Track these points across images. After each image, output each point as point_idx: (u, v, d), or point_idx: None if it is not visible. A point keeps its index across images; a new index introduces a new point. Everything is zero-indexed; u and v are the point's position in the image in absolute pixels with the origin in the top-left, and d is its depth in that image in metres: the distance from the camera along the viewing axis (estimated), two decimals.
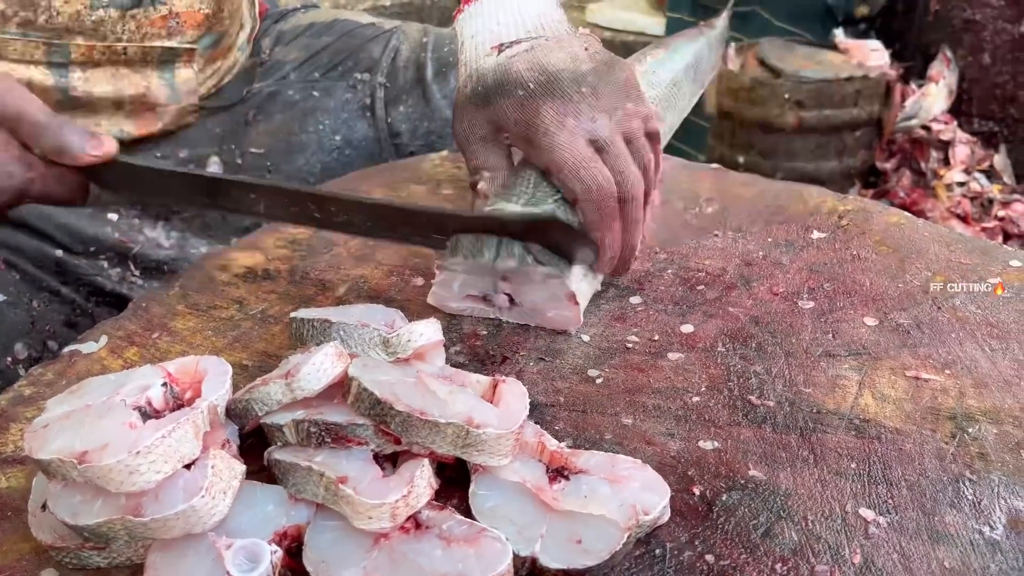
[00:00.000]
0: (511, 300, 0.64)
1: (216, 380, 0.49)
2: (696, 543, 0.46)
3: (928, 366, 0.58)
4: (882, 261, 0.71)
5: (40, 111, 0.63)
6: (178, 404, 0.49)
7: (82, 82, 0.84)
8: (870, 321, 0.63)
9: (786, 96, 2.01)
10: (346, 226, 0.65)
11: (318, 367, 0.49)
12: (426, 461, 0.46)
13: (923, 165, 2.16)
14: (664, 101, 0.77)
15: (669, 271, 0.71)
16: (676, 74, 0.80)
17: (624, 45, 2.46)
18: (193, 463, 0.44)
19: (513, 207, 0.62)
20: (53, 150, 0.63)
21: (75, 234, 0.89)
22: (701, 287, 0.68)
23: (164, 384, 0.49)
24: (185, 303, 0.69)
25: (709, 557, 0.45)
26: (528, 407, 0.49)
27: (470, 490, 0.47)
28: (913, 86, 2.20)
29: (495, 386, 0.51)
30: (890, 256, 0.71)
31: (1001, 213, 2.06)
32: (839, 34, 2.12)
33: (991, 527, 0.46)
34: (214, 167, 0.96)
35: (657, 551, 0.45)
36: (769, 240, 0.74)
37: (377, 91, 1.04)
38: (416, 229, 0.64)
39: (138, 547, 0.44)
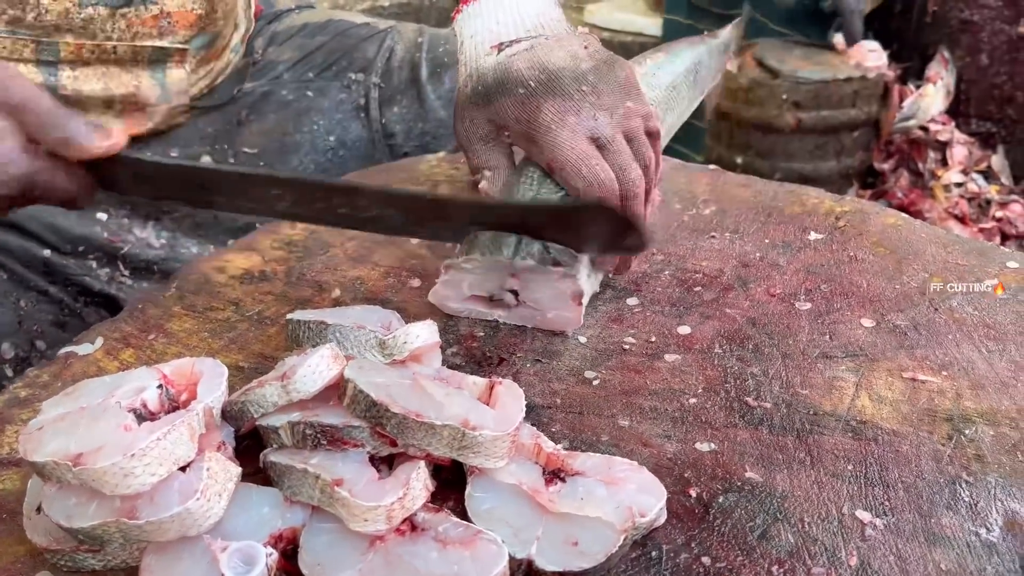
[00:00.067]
0: (516, 296, 0.64)
1: (212, 382, 0.49)
2: (692, 545, 0.46)
3: (925, 368, 0.58)
4: (879, 262, 0.71)
5: (47, 101, 0.61)
6: (174, 406, 0.49)
7: (71, 81, 0.84)
8: (867, 322, 0.63)
9: (784, 97, 2.01)
10: (375, 222, 0.62)
11: (314, 369, 0.49)
12: (422, 463, 0.46)
13: (921, 166, 2.16)
14: (663, 103, 0.77)
15: (666, 272, 0.71)
16: (675, 77, 0.80)
17: (622, 46, 2.46)
18: (188, 465, 0.44)
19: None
20: (59, 141, 0.60)
21: (63, 233, 0.88)
22: (698, 288, 0.68)
23: (160, 386, 0.49)
24: (181, 304, 0.68)
25: (705, 559, 0.45)
26: (524, 409, 0.49)
27: (466, 492, 0.47)
28: (911, 87, 2.20)
29: (491, 388, 0.51)
30: (887, 257, 0.71)
31: (999, 214, 2.06)
32: (838, 36, 2.12)
33: (988, 529, 0.46)
34: None
35: (653, 553, 0.45)
36: (766, 241, 0.74)
37: (371, 91, 1.04)
38: (453, 222, 0.62)
39: (133, 550, 0.44)
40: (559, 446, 0.50)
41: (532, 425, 0.52)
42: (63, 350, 0.63)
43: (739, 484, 0.49)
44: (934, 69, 2.23)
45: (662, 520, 0.47)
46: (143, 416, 0.47)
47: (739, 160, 2.11)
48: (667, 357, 0.61)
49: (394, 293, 0.69)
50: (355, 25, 1.09)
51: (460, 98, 0.68)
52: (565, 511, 0.45)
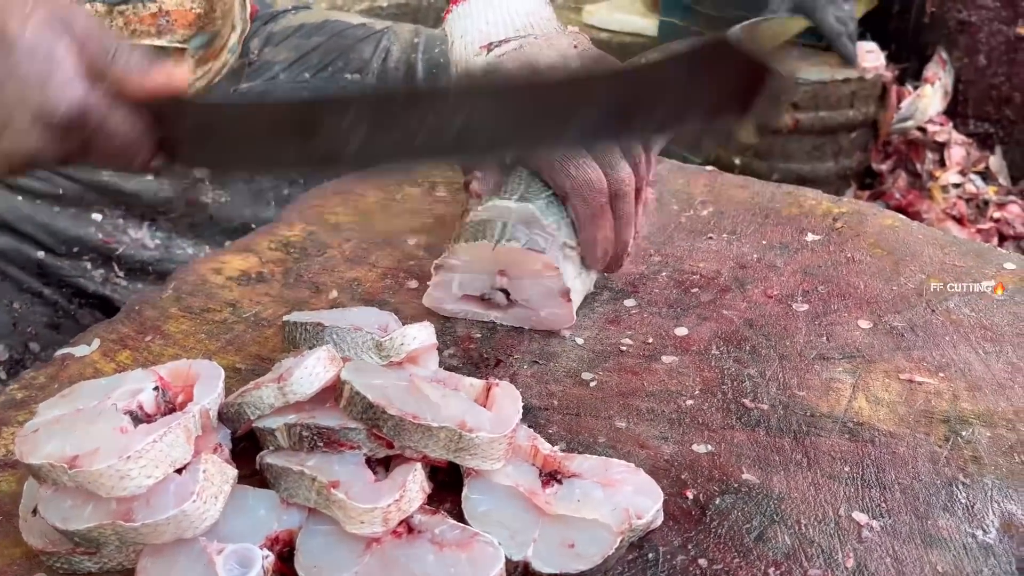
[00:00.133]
0: (507, 296, 0.64)
1: (208, 384, 0.49)
2: (689, 547, 0.46)
3: (922, 369, 0.58)
4: (876, 264, 0.71)
5: (108, 34, 0.56)
6: (170, 408, 0.49)
7: None
8: (864, 324, 0.63)
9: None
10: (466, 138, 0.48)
11: (310, 371, 0.48)
12: (419, 465, 0.46)
13: (919, 167, 2.16)
14: None
15: (663, 273, 0.71)
16: None
17: (621, 46, 2.46)
18: (185, 467, 0.44)
19: (506, 203, 0.62)
20: (118, 74, 0.54)
21: (57, 235, 0.88)
22: (695, 290, 0.68)
23: (156, 388, 0.49)
24: (178, 306, 0.68)
25: (702, 561, 0.45)
26: (521, 411, 0.49)
27: (463, 494, 0.47)
28: (909, 88, 2.20)
29: (488, 389, 0.51)
30: (884, 259, 0.71)
31: (997, 215, 2.06)
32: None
33: (984, 531, 0.46)
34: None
35: (650, 555, 0.45)
36: (763, 242, 0.74)
37: None
38: (569, 110, 0.47)
39: (129, 552, 0.44)
40: (556, 448, 0.50)
41: (529, 427, 0.52)
42: (60, 352, 0.63)
43: (736, 486, 0.49)
44: (932, 70, 2.23)
45: (659, 522, 0.47)
46: (139, 418, 0.47)
47: (737, 161, 2.11)
48: (664, 359, 0.61)
49: (391, 294, 0.69)
50: (351, 26, 1.09)
51: None
52: (562, 513, 0.45)
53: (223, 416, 0.49)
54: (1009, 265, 0.69)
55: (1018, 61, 2.16)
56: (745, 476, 0.50)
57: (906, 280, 0.68)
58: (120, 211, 0.92)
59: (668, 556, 0.45)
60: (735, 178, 0.87)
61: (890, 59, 2.17)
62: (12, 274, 0.86)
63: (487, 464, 0.46)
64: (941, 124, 2.20)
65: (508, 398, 0.50)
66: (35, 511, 0.45)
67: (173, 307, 0.68)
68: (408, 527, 0.44)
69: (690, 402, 0.56)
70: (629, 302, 0.67)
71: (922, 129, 2.18)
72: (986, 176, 2.16)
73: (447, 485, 0.48)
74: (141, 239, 0.93)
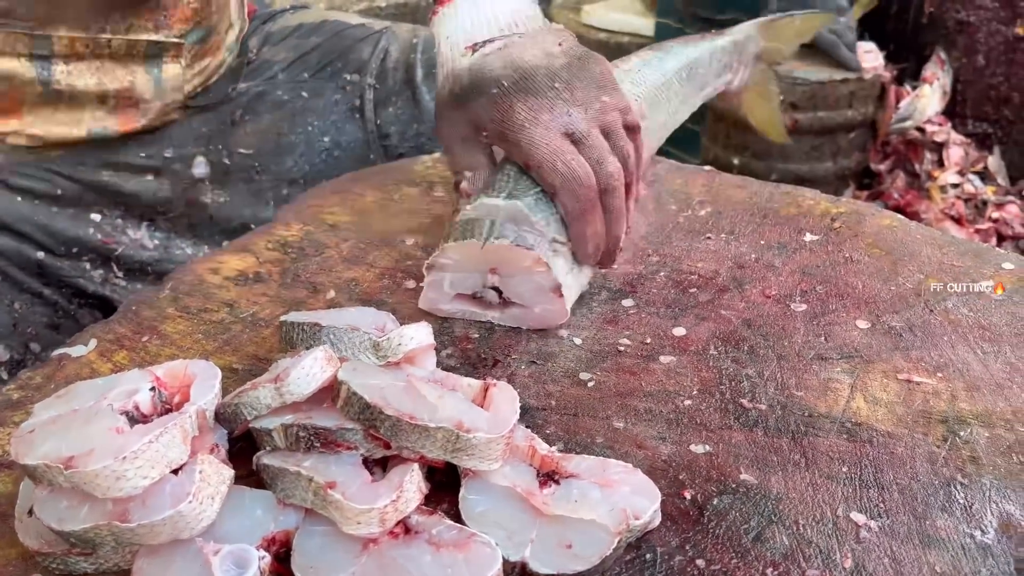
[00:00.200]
0: (500, 294, 0.64)
1: (205, 384, 0.49)
2: (687, 548, 0.46)
3: (920, 369, 0.58)
4: (874, 264, 0.70)
5: None
6: (166, 408, 0.48)
7: (65, 75, 0.83)
8: (862, 324, 0.63)
9: (780, 98, 2.01)
10: None
11: (307, 371, 0.48)
12: (416, 466, 0.46)
13: (917, 167, 2.16)
14: (649, 99, 0.77)
15: (661, 273, 0.71)
16: (666, 75, 0.80)
17: (619, 47, 2.46)
18: (181, 468, 0.44)
19: (494, 201, 0.62)
20: None
21: (57, 235, 0.88)
22: (693, 290, 0.68)
23: (152, 388, 0.49)
24: (175, 306, 0.68)
25: (700, 562, 0.45)
26: (519, 411, 0.49)
27: (460, 495, 0.47)
28: (907, 88, 2.20)
29: (486, 390, 0.51)
30: (882, 259, 0.71)
31: (995, 215, 2.06)
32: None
33: (982, 531, 0.46)
34: (200, 167, 0.96)
35: (648, 556, 0.45)
36: (762, 242, 0.74)
37: (366, 92, 1.03)
38: None
39: (125, 553, 0.44)
40: (553, 448, 0.50)
41: (527, 427, 0.52)
42: (56, 352, 0.63)
43: (734, 486, 0.49)
44: (930, 70, 2.23)
45: (656, 522, 0.46)
46: (135, 419, 0.46)
47: (736, 161, 2.11)
48: (662, 359, 0.60)
49: (389, 294, 0.69)
50: (350, 26, 1.09)
51: (439, 100, 0.68)
52: (559, 513, 0.45)
53: (220, 416, 0.49)
54: (1007, 265, 0.69)
55: (1016, 61, 2.16)
56: (743, 476, 0.50)
57: (904, 280, 0.68)
58: (119, 211, 0.92)
59: (666, 557, 0.45)
60: (733, 178, 0.87)
61: (888, 59, 2.17)
62: (12, 274, 0.86)
63: (484, 464, 0.46)
64: (939, 124, 2.20)
65: (506, 398, 0.49)
66: (31, 512, 0.45)
67: (170, 307, 0.68)
68: (405, 528, 0.44)
69: (688, 402, 0.56)
70: (627, 302, 0.67)
71: (920, 129, 2.19)
72: (984, 176, 2.16)
73: (444, 485, 0.48)
74: (140, 239, 0.93)
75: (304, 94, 1.02)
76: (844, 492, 0.49)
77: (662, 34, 2.31)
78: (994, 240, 2.00)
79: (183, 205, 0.96)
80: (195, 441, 0.45)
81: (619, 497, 0.46)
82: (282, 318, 0.57)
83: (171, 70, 0.90)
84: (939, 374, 0.58)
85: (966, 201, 2.09)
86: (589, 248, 0.64)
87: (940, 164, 2.16)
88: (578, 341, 0.63)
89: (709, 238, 0.75)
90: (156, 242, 0.94)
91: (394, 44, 1.07)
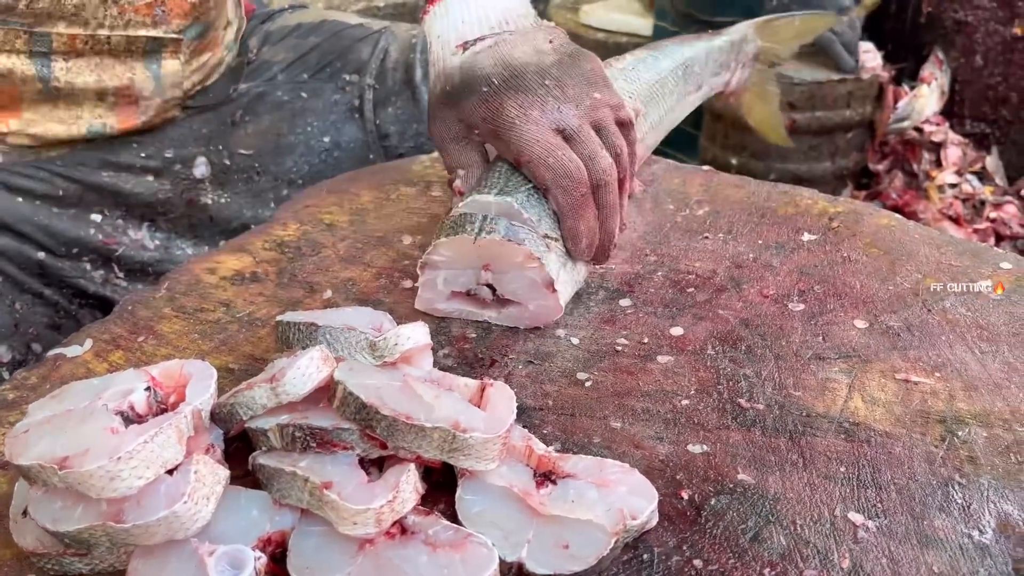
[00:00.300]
0: (493, 291, 0.64)
1: (201, 384, 0.49)
2: (684, 548, 0.45)
3: (918, 369, 0.58)
4: (872, 263, 0.70)
5: None
6: (162, 408, 0.48)
7: (64, 72, 0.83)
8: (860, 324, 0.63)
9: (780, 99, 2.01)
10: None
11: (303, 371, 0.48)
12: (412, 466, 0.46)
13: (915, 167, 2.16)
14: (644, 97, 0.77)
15: (659, 273, 0.70)
16: (661, 73, 0.80)
17: (617, 47, 2.46)
18: (176, 468, 0.43)
19: (486, 197, 0.62)
20: None
21: (57, 236, 0.88)
22: (691, 289, 0.68)
23: (147, 388, 0.48)
24: (172, 306, 0.68)
25: (697, 562, 0.45)
26: (516, 411, 0.48)
27: (457, 495, 0.47)
28: (905, 88, 2.20)
29: (483, 390, 0.51)
30: (880, 258, 0.71)
31: (993, 215, 2.06)
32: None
33: (980, 531, 0.46)
34: (201, 168, 0.96)
35: (645, 556, 0.45)
36: (759, 242, 0.74)
37: (366, 92, 1.03)
38: None
39: (120, 553, 0.43)
40: (550, 448, 0.50)
41: (524, 427, 0.52)
42: (52, 352, 0.63)
43: (731, 486, 0.49)
44: (928, 70, 2.23)
45: (654, 523, 0.46)
46: (131, 419, 0.46)
47: (734, 161, 2.11)
48: (660, 359, 0.60)
49: (386, 294, 0.69)
50: (349, 26, 1.09)
51: (431, 99, 0.68)
52: (556, 514, 0.45)
53: (215, 417, 0.49)
54: (1005, 265, 0.69)
55: (1014, 61, 2.16)
56: (740, 476, 0.50)
57: (902, 280, 0.68)
58: (120, 212, 0.92)
59: (663, 557, 0.45)
60: (731, 178, 0.86)
61: (887, 59, 2.17)
62: (13, 275, 0.86)
63: (481, 465, 0.46)
64: (937, 124, 2.20)
65: (503, 398, 0.49)
66: (25, 512, 0.45)
67: (166, 307, 0.68)
68: (401, 528, 0.44)
69: (685, 402, 0.56)
70: (624, 302, 0.67)
71: (919, 129, 2.19)
72: (982, 176, 2.16)
73: (441, 486, 0.48)
74: (141, 240, 0.93)
75: (303, 94, 1.02)
76: (842, 492, 0.49)
77: (660, 37, 2.31)
78: (992, 240, 2.00)
79: (183, 206, 0.96)
80: (190, 441, 0.45)
81: (616, 497, 0.46)
82: (278, 318, 0.57)
83: (170, 66, 0.89)
84: (937, 374, 0.58)
85: (964, 201, 2.09)
86: (582, 244, 0.64)
87: (938, 164, 2.16)
88: (575, 341, 0.63)
89: (707, 238, 0.75)
90: (157, 243, 0.94)
91: (393, 44, 1.07)
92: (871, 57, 2.09)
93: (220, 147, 0.97)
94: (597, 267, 0.70)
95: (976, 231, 2.01)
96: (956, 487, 0.49)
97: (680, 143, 2.11)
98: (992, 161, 2.20)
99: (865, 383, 0.57)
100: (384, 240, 0.76)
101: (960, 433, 0.53)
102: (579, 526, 0.44)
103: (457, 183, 0.67)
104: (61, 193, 0.88)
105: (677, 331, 0.63)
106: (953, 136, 2.19)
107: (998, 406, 0.55)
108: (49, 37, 0.81)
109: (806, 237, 0.74)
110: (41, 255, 0.87)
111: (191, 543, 0.42)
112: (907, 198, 2.10)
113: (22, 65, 0.81)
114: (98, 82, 0.85)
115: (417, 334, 0.54)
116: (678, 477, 0.50)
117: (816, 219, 0.77)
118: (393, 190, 0.86)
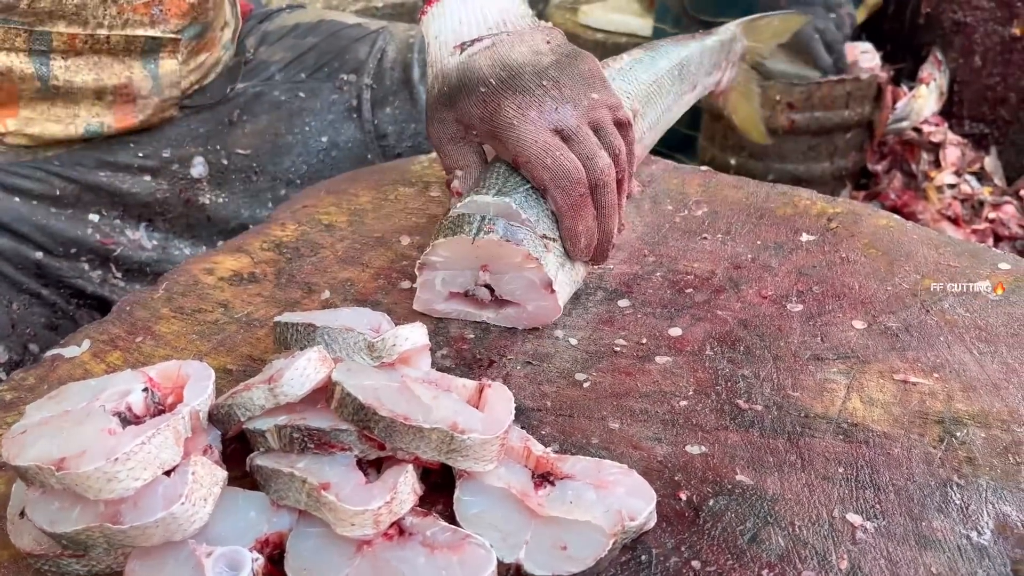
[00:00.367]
0: (491, 292, 0.64)
1: (198, 385, 0.49)
2: (682, 549, 0.45)
3: (916, 370, 0.58)
4: (871, 264, 0.70)
5: None
6: (159, 409, 0.48)
7: (63, 71, 0.83)
8: (858, 324, 0.63)
9: (777, 98, 2.01)
10: None
11: (301, 372, 0.48)
12: (410, 467, 0.45)
13: (914, 167, 2.16)
14: (641, 97, 0.77)
15: (657, 274, 0.70)
16: (658, 73, 0.80)
17: (616, 47, 2.46)
18: (174, 470, 0.43)
19: (484, 198, 0.62)
20: None
21: (55, 236, 0.88)
22: (689, 290, 0.68)
23: (145, 389, 0.48)
24: (170, 306, 0.68)
25: (695, 563, 0.44)
26: (514, 412, 0.48)
27: (455, 496, 0.47)
28: (904, 88, 2.20)
29: (481, 390, 0.51)
30: (879, 259, 0.71)
31: (992, 215, 2.06)
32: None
33: (979, 532, 0.46)
34: (198, 168, 0.96)
35: (643, 557, 0.45)
36: (758, 243, 0.74)
37: (364, 92, 1.03)
38: None
39: (118, 555, 0.43)
40: (549, 449, 0.50)
41: (522, 428, 0.52)
42: (49, 352, 0.63)
43: (729, 487, 0.49)
44: (927, 70, 2.23)
45: (652, 524, 0.46)
46: (128, 420, 0.46)
47: (732, 161, 2.11)
48: (658, 359, 0.60)
49: (384, 295, 0.69)
50: (347, 26, 1.09)
51: (429, 100, 0.68)
52: (554, 515, 0.45)
53: (213, 417, 0.49)
54: (1004, 265, 0.69)
55: (1013, 62, 2.16)
56: (739, 477, 0.50)
57: (901, 280, 0.68)
58: (117, 212, 0.92)
59: (661, 558, 0.45)
60: (729, 178, 0.86)
61: (885, 59, 2.17)
62: (10, 275, 0.86)
63: (479, 466, 0.46)
64: (936, 125, 2.20)
65: (501, 399, 0.49)
66: (23, 513, 0.45)
67: (164, 308, 0.68)
68: (399, 529, 0.44)
69: (684, 403, 0.56)
70: (623, 302, 0.67)
71: (917, 130, 2.19)
72: (981, 177, 2.16)
73: (439, 487, 0.48)
74: (138, 240, 0.93)
75: (301, 94, 1.02)
76: (840, 493, 0.49)
77: (659, 37, 2.31)
78: (991, 240, 2.00)
79: (181, 205, 0.95)
80: (188, 442, 0.45)
81: (614, 498, 0.46)
82: (276, 319, 0.57)
83: (168, 65, 0.89)
84: (935, 375, 0.58)
85: (963, 201, 2.09)
86: (581, 244, 0.64)
87: (937, 164, 2.16)
88: (574, 342, 0.63)
89: (705, 238, 0.75)
90: (154, 243, 0.94)
91: (391, 44, 1.07)
92: (869, 57, 2.08)
93: (218, 147, 0.97)
94: (595, 268, 0.70)
95: (975, 231, 2.01)
96: (954, 488, 0.49)
97: (679, 144, 2.11)
98: (991, 161, 2.20)
99: (863, 384, 0.57)
100: (382, 241, 0.76)
101: (958, 434, 0.53)
102: (577, 527, 0.44)
103: (455, 184, 0.67)
104: (58, 193, 0.88)
105: (675, 332, 0.63)
106: (952, 136, 2.19)
107: (996, 407, 0.55)
108: (49, 36, 0.81)
109: (804, 238, 0.74)
110: (39, 255, 0.87)
111: (189, 544, 0.42)
112: (906, 198, 2.11)
113: (21, 63, 0.81)
114: (96, 81, 0.85)
115: (415, 335, 0.54)
116: (676, 478, 0.50)
117: (815, 219, 0.77)
118: (391, 190, 0.86)
